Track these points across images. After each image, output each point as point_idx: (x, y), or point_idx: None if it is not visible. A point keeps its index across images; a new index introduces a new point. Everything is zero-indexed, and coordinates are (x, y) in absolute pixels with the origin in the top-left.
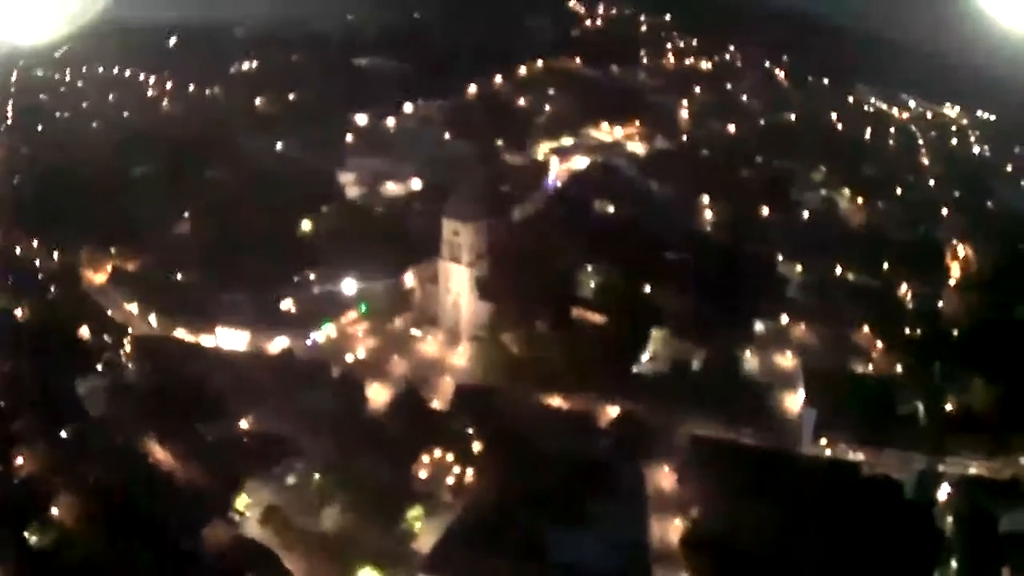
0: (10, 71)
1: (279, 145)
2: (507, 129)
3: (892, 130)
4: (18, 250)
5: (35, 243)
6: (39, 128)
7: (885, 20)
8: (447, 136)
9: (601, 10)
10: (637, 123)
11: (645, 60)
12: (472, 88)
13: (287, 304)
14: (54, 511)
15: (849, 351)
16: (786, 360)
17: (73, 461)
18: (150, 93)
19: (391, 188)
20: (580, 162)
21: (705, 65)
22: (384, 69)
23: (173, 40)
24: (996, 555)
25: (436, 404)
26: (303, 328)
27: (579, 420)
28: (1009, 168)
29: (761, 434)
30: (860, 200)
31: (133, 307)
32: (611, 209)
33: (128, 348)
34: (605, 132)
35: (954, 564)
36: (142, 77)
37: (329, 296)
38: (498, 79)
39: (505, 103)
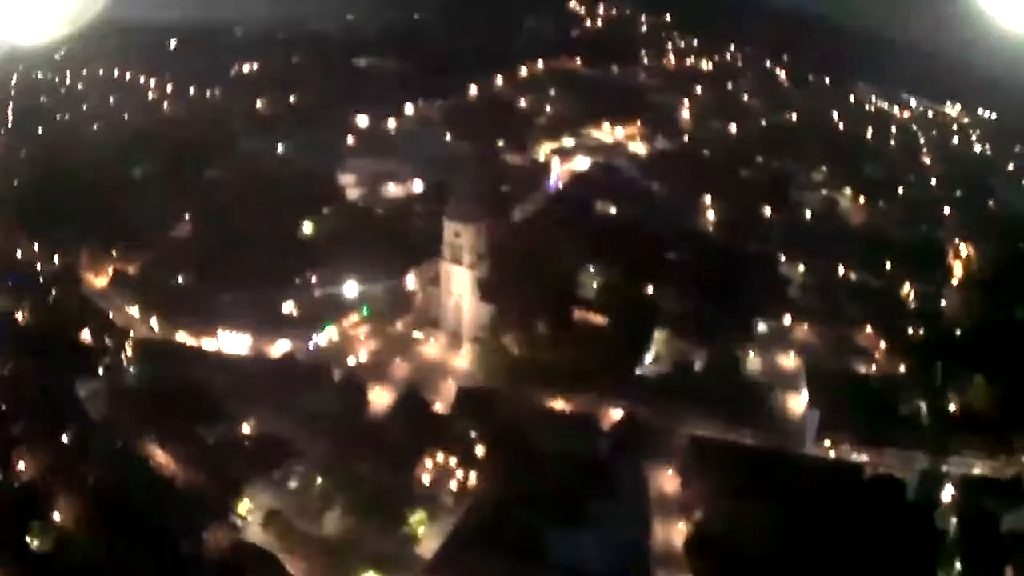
0: (10, 73)
1: (280, 147)
2: (508, 130)
3: (893, 130)
4: (19, 252)
5: (36, 246)
6: (39, 130)
7: (885, 20)
8: (448, 137)
9: (601, 10)
10: (638, 123)
11: (646, 60)
12: (473, 89)
13: (288, 306)
14: (55, 514)
15: (851, 351)
16: (788, 361)
17: (74, 464)
18: (151, 95)
19: (392, 189)
20: (581, 163)
21: (706, 65)
22: (384, 70)
23: (173, 42)
24: (998, 555)
25: (438, 407)
26: (304, 331)
27: (581, 422)
28: (1011, 167)
29: (764, 435)
30: (861, 200)
31: (134, 310)
32: (612, 210)
33: (129, 351)
34: (606, 132)
35: (957, 565)
36: (143, 79)
37: (330, 298)
38: (499, 80)
39: (506, 104)
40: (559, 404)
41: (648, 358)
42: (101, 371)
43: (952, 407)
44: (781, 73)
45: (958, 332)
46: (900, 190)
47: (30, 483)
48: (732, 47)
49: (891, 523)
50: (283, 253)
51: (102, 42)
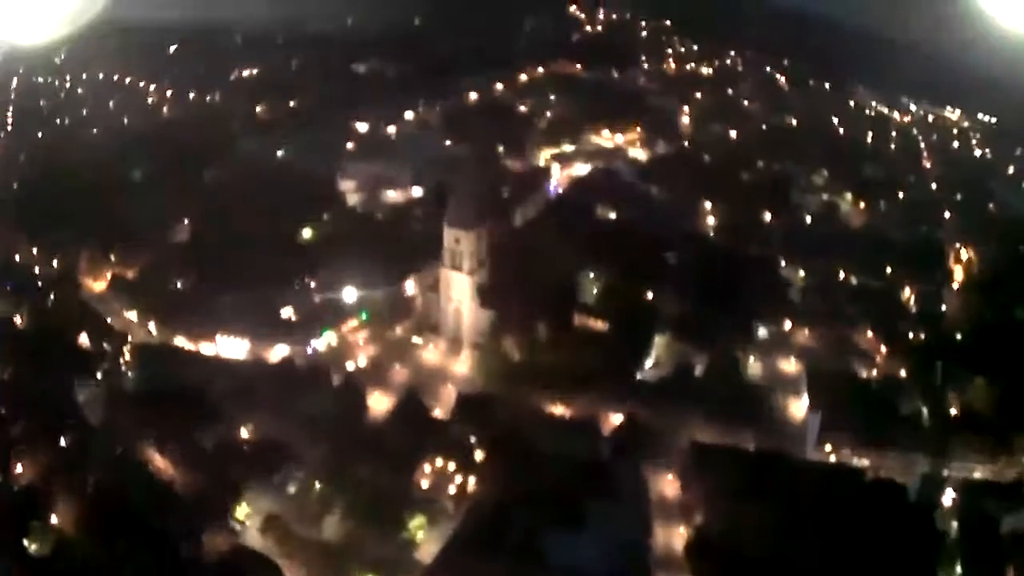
0: (10, 75)
1: (279, 151)
2: (508, 135)
3: (893, 133)
4: (17, 256)
5: (34, 249)
6: (39, 133)
7: (885, 22)
8: (448, 142)
9: (601, 15)
10: (638, 128)
11: (646, 65)
12: (472, 93)
13: (287, 311)
14: (53, 518)
15: (852, 354)
16: (789, 364)
17: (72, 468)
18: (150, 98)
19: (391, 194)
20: (581, 167)
21: (706, 69)
22: (384, 74)
23: (173, 45)
24: (998, 558)
25: (437, 412)
26: (303, 336)
27: (582, 426)
28: (1011, 170)
29: (764, 438)
30: (862, 203)
31: (132, 314)
32: (612, 214)
33: (127, 355)
34: (606, 137)
35: (958, 568)
36: (142, 82)
37: (330, 303)
38: (498, 84)
39: (506, 108)
40: (559, 409)
41: (648, 362)
42: (99, 375)
43: (953, 409)
44: (781, 77)
45: (958, 335)
46: (900, 193)
47: (29, 486)
48: (732, 51)
49: (891, 526)
50: (282, 257)
51: (102, 44)
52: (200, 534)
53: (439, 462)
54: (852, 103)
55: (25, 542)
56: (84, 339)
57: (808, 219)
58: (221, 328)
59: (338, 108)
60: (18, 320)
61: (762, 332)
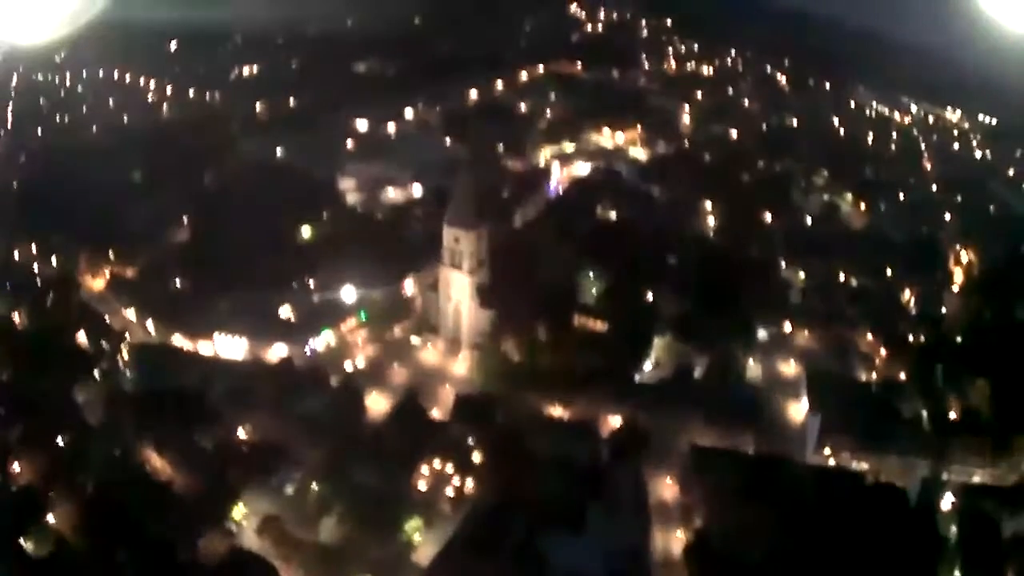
0: (10, 74)
1: (279, 150)
2: (508, 134)
3: (894, 134)
4: (16, 255)
5: (34, 248)
6: (38, 131)
7: (885, 22)
8: (447, 141)
9: (602, 15)
10: (638, 128)
11: (646, 64)
12: (473, 93)
13: (286, 311)
14: (51, 519)
15: (852, 356)
16: (789, 366)
17: (70, 469)
18: (150, 97)
19: (391, 194)
20: (581, 167)
21: (706, 69)
22: (384, 74)
23: (173, 44)
24: (999, 561)
25: (436, 413)
26: (302, 336)
27: (580, 428)
28: (1011, 171)
29: (764, 441)
30: (862, 204)
31: (131, 313)
32: (612, 215)
33: (126, 355)
34: (606, 137)
35: (957, 572)
36: (142, 81)
37: (328, 303)
38: (499, 84)
39: (506, 108)
40: (558, 410)
41: (648, 364)
42: (98, 375)
43: (953, 412)
44: (781, 77)
45: (959, 336)
46: (901, 194)
47: (27, 488)
48: (732, 51)
49: (892, 530)
50: (281, 257)
51: (102, 43)
52: (197, 536)
53: (437, 463)
54: (852, 103)
55: (23, 543)
56: (82, 338)
57: (808, 220)
58: (220, 327)
59: (338, 108)
60: (17, 319)
61: (762, 334)
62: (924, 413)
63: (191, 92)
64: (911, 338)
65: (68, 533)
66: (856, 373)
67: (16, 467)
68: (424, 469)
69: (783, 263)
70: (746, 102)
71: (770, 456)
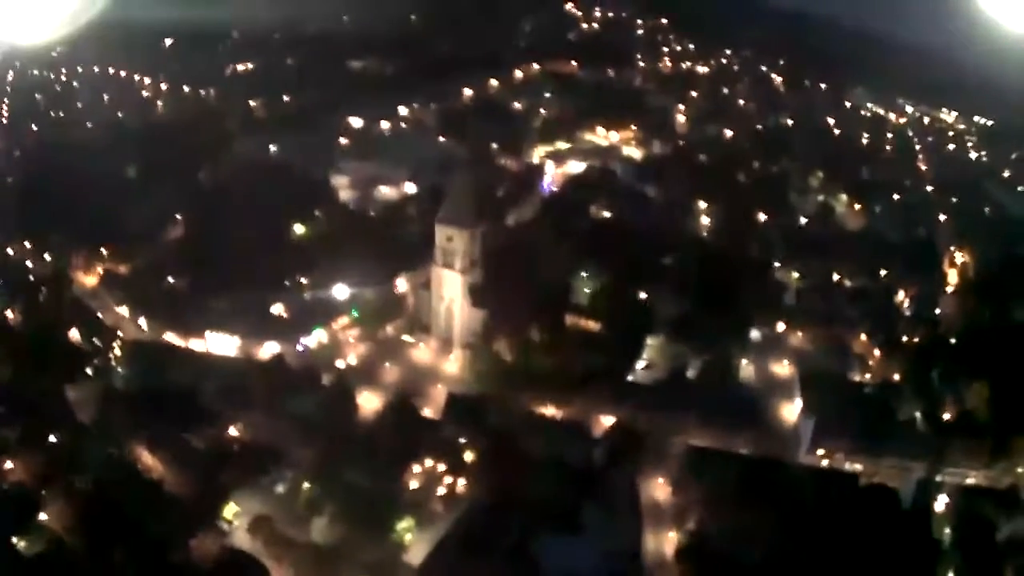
0: (6, 71)
1: (273, 148)
2: (502, 133)
3: (889, 135)
4: (10, 251)
5: (27, 245)
6: (33, 128)
7: (883, 23)
8: (441, 139)
9: (597, 13)
10: (633, 127)
11: (642, 64)
12: (467, 91)
13: (278, 309)
14: (43, 517)
15: (846, 357)
16: (782, 368)
17: (63, 467)
18: (145, 94)
19: (385, 192)
20: (576, 166)
21: (702, 69)
22: (379, 72)
23: (168, 41)
24: (995, 563)
25: (428, 412)
26: (294, 334)
27: (573, 429)
28: (1006, 173)
29: (757, 443)
30: (857, 205)
31: (124, 311)
32: (606, 214)
33: (118, 352)
34: (601, 136)
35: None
36: (137, 78)
37: (321, 301)
38: (493, 82)
39: (501, 106)
40: (551, 411)
41: (641, 364)
42: (91, 372)
43: (948, 413)
44: (777, 77)
45: (954, 337)
46: (896, 195)
47: (19, 486)
48: (728, 51)
49: (887, 532)
50: (274, 255)
51: (97, 42)
52: (189, 535)
53: (429, 463)
54: (848, 104)
55: (15, 541)
56: (75, 335)
57: (803, 220)
58: (212, 325)
59: (333, 105)
60: (10, 316)
61: (756, 334)
62: (919, 414)
63: (186, 89)
64: (906, 339)
65: (60, 532)
66: (851, 374)
67: (8, 465)
68: (416, 469)
69: (778, 264)
70: (741, 102)
71: (764, 457)
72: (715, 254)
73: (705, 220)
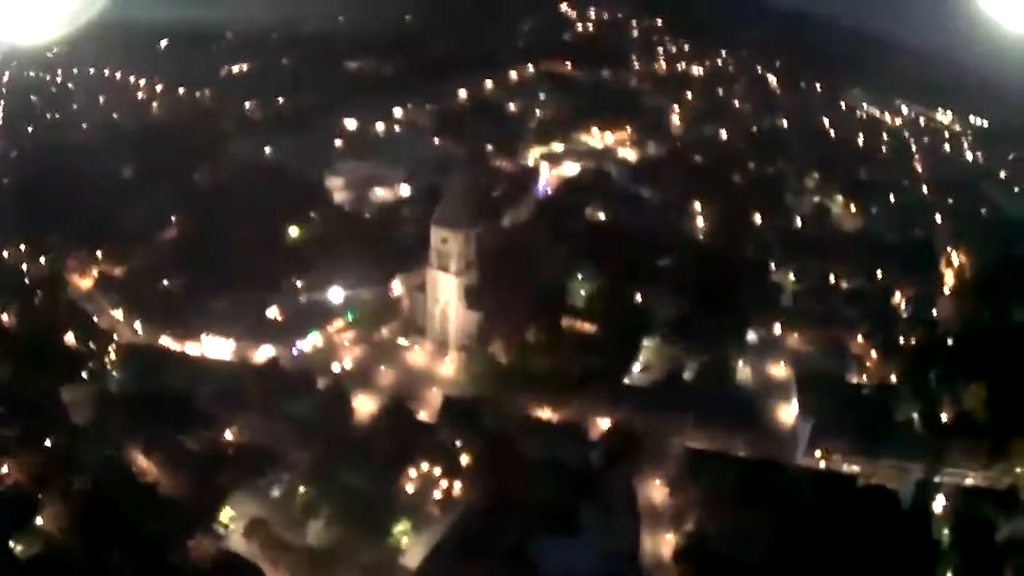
0: (2, 73)
1: (268, 149)
2: (497, 134)
3: (885, 135)
4: (5, 254)
5: (22, 247)
6: (29, 129)
7: (881, 23)
8: (437, 141)
9: (593, 14)
10: (628, 128)
11: (637, 65)
12: (462, 92)
13: (273, 312)
14: (39, 520)
15: (843, 359)
16: (779, 369)
17: (58, 470)
18: (140, 94)
19: (380, 193)
20: (571, 168)
21: (697, 70)
22: (375, 73)
23: (164, 42)
24: (994, 564)
25: (423, 415)
26: (289, 336)
27: (569, 431)
28: (1003, 174)
29: (755, 444)
30: (853, 206)
31: (119, 313)
32: (602, 216)
33: (113, 355)
34: (596, 137)
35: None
36: (132, 79)
37: (316, 304)
38: (488, 83)
39: (496, 108)
40: (547, 413)
41: (638, 366)
42: (86, 375)
43: (946, 414)
44: (772, 78)
45: (951, 339)
46: (892, 196)
47: (14, 489)
48: (723, 52)
49: (885, 533)
50: (269, 257)
51: (93, 43)
52: (185, 539)
53: (425, 466)
54: (844, 105)
55: (11, 544)
56: (70, 338)
57: (799, 222)
58: (207, 328)
59: (328, 106)
60: (4, 318)
61: (752, 336)
62: (917, 415)
63: (181, 90)
64: (903, 340)
65: (57, 534)
66: (848, 375)
67: (3, 468)
68: (412, 472)
69: (774, 265)
70: (737, 103)
71: (762, 459)
72: (711, 255)
73: (701, 221)
